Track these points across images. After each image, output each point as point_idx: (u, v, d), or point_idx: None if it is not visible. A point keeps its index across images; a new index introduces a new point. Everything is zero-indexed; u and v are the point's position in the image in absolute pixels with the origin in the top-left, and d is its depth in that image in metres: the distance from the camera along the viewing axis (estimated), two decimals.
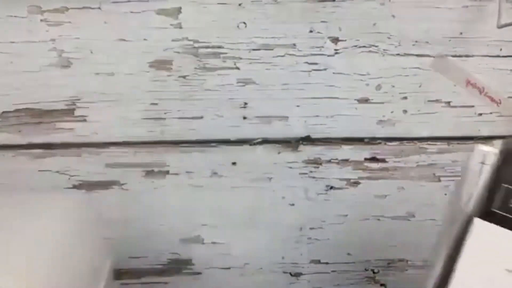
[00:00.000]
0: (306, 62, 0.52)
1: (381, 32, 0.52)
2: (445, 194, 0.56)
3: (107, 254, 0.48)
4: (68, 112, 0.52)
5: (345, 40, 0.52)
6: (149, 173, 0.55)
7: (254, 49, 0.52)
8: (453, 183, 0.56)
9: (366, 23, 0.51)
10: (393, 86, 0.53)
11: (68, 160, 0.54)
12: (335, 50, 0.52)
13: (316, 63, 0.52)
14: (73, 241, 0.41)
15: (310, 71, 0.53)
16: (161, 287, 0.59)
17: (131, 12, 0.50)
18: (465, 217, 0.34)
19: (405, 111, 0.54)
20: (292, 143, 0.55)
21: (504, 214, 0.33)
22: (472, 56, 0.53)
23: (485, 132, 0.55)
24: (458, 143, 0.55)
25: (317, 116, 0.54)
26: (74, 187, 0.54)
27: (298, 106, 0.54)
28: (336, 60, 0.52)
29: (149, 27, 0.50)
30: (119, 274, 0.58)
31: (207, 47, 0.51)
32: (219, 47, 0.51)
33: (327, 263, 0.58)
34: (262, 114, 0.54)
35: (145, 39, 0.51)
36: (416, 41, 0.52)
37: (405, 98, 0.54)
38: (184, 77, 0.52)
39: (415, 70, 0.53)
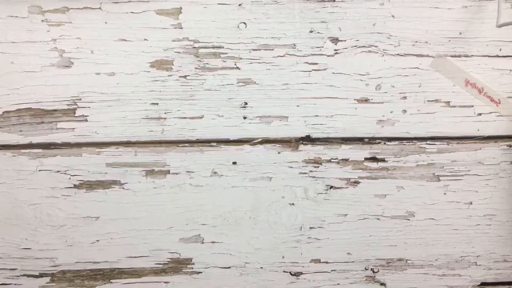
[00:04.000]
0: (306, 62, 0.53)
1: (380, 32, 0.52)
2: (444, 194, 0.57)
3: None
4: (69, 112, 0.53)
5: (345, 40, 0.52)
6: (150, 173, 0.55)
7: (254, 49, 0.52)
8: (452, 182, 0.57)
9: (366, 23, 0.51)
10: (393, 86, 0.54)
11: (69, 159, 0.54)
12: (335, 50, 0.52)
13: (316, 63, 0.53)
14: None
15: (310, 71, 0.53)
16: (161, 287, 0.59)
17: (132, 12, 0.50)
18: None
19: (404, 111, 0.54)
20: (292, 143, 0.55)
21: None
22: (472, 56, 0.53)
23: (484, 132, 0.55)
24: (457, 143, 0.56)
25: (317, 116, 0.54)
26: (75, 186, 0.55)
27: (298, 106, 0.54)
28: (336, 60, 0.53)
29: (149, 27, 0.51)
30: (119, 274, 0.58)
31: (207, 47, 0.52)
32: (219, 47, 0.52)
33: (327, 262, 0.59)
34: (262, 114, 0.54)
35: (145, 39, 0.51)
36: (416, 41, 0.52)
37: (405, 98, 0.54)
38: (184, 77, 0.52)
39: (414, 70, 0.53)
